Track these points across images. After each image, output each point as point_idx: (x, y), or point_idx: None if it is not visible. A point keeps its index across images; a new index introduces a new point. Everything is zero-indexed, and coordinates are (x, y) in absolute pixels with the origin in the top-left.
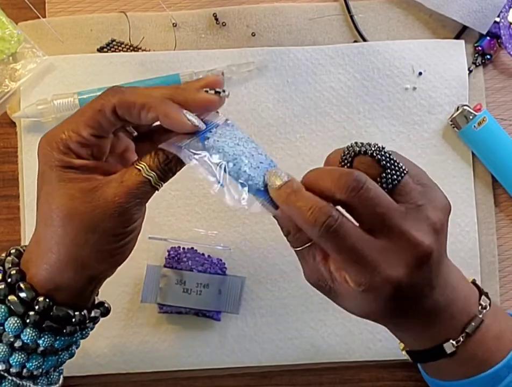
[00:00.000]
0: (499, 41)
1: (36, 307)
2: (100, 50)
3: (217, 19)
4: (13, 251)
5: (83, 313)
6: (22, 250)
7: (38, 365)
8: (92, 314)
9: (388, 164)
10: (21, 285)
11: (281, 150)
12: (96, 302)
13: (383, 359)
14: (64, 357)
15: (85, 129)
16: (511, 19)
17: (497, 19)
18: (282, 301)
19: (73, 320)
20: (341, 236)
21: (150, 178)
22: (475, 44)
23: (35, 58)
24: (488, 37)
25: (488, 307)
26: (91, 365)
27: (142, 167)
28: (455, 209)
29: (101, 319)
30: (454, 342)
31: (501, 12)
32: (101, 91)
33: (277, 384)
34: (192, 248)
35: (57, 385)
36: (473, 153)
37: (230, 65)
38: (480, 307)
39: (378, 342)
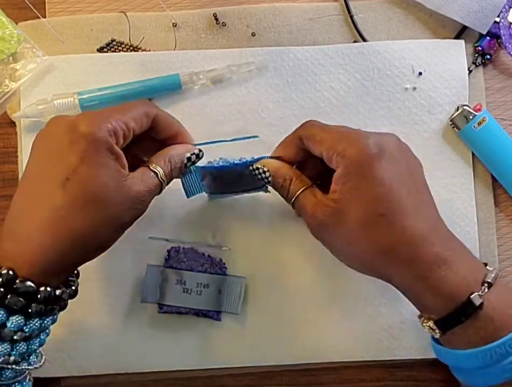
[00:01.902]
0: (499, 41)
1: (38, 296)
2: (100, 50)
3: (217, 19)
4: None
5: (73, 288)
6: None
7: (36, 347)
8: (58, 293)
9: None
10: (18, 282)
11: None
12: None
13: (382, 359)
14: (49, 330)
15: (132, 123)
16: (511, 19)
17: (497, 19)
18: (282, 301)
19: (39, 296)
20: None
21: (163, 182)
22: (475, 44)
23: (35, 58)
24: (488, 37)
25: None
26: (91, 365)
27: (158, 172)
28: (455, 209)
29: (102, 319)
30: (479, 292)
31: (501, 12)
32: (102, 91)
33: (277, 384)
34: (192, 248)
35: (44, 357)
36: (472, 154)
37: (230, 65)
38: (488, 267)
39: (378, 342)
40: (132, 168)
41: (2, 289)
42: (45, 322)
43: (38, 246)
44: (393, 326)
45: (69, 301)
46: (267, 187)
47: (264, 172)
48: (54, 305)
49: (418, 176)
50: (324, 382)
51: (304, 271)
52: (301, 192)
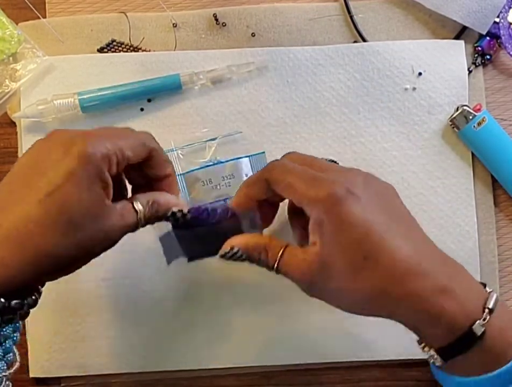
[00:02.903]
0: (499, 41)
1: None
2: (100, 50)
3: (217, 19)
4: None
5: (33, 297)
6: None
7: None
8: (13, 304)
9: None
10: None
11: (280, 150)
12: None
13: (383, 359)
14: (17, 337)
15: (127, 152)
16: (510, 19)
17: (497, 19)
18: (282, 301)
19: (27, 306)
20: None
21: (140, 221)
22: (475, 45)
23: (35, 59)
24: (488, 38)
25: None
26: (91, 365)
27: (140, 211)
28: (455, 209)
29: (102, 319)
30: (481, 321)
31: (501, 12)
32: (102, 91)
33: (277, 384)
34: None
35: (17, 363)
36: (472, 154)
37: (230, 65)
38: (486, 288)
39: (378, 342)
40: (114, 194)
41: None
42: (5, 331)
43: (3, 256)
44: (393, 326)
45: (68, 302)
46: None
47: (236, 253)
48: (11, 315)
49: (393, 202)
50: (324, 382)
51: None
52: (280, 257)
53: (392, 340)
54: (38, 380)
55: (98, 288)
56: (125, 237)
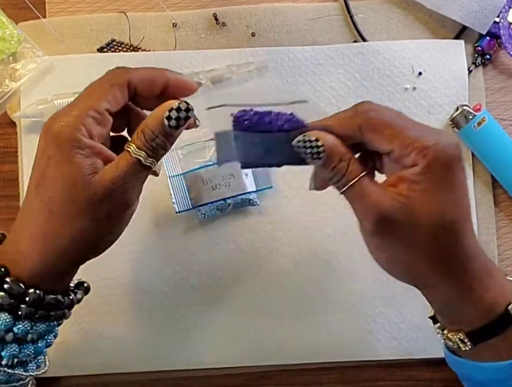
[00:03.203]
0: (499, 41)
1: (27, 299)
2: (100, 50)
3: (217, 19)
4: None
5: (71, 297)
6: None
7: (30, 353)
8: (78, 296)
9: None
10: (8, 281)
11: None
12: (75, 281)
13: (383, 359)
14: (51, 340)
15: (101, 104)
16: (510, 19)
17: (497, 19)
18: (282, 301)
19: (63, 304)
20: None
21: (140, 157)
22: (475, 44)
23: (35, 58)
24: (488, 37)
25: None
26: (91, 365)
27: (130, 148)
28: None
29: (102, 319)
30: None
31: (501, 12)
32: None
33: (276, 383)
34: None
35: (46, 367)
36: (472, 154)
37: (230, 65)
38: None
39: (378, 342)
40: None
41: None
42: (39, 327)
43: (25, 247)
44: (393, 326)
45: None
46: (258, 203)
47: (317, 146)
48: (46, 311)
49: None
50: (324, 382)
51: (304, 271)
52: (360, 177)
53: (392, 340)
54: (38, 380)
55: (98, 288)
56: (125, 237)
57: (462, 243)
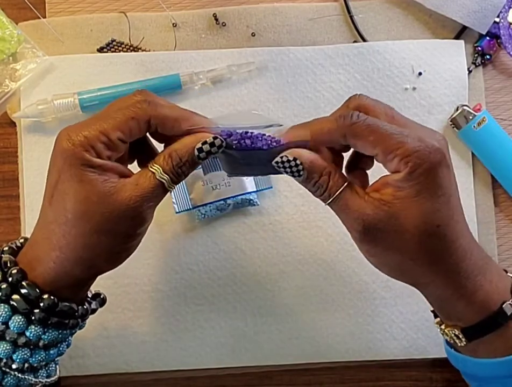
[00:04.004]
0: (498, 41)
1: (41, 304)
2: (100, 50)
3: (216, 19)
4: (6, 248)
5: (85, 307)
6: (15, 247)
7: (41, 359)
8: (93, 306)
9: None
10: (24, 284)
11: None
12: (93, 292)
13: (383, 359)
14: (63, 349)
15: (114, 133)
16: (510, 19)
17: (497, 19)
18: (282, 301)
19: (77, 313)
20: (370, 120)
21: (163, 181)
22: (475, 45)
23: (35, 58)
24: (488, 38)
25: None
26: (91, 365)
27: (156, 170)
28: None
29: (101, 319)
30: (510, 301)
31: (501, 12)
32: (101, 91)
33: (277, 384)
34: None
35: (56, 376)
36: (472, 154)
37: (230, 65)
38: (509, 274)
39: (378, 342)
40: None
41: (9, 288)
42: (51, 334)
43: (42, 254)
44: (393, 326)
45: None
46: (258, 203)
47: (296, 165)
48: (60, 318)
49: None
50: (324, 382)
51: (304, 271)
52: (342, 189)
53: (392, 340)
54: None
55: (97, 288)
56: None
57: (450, 246)
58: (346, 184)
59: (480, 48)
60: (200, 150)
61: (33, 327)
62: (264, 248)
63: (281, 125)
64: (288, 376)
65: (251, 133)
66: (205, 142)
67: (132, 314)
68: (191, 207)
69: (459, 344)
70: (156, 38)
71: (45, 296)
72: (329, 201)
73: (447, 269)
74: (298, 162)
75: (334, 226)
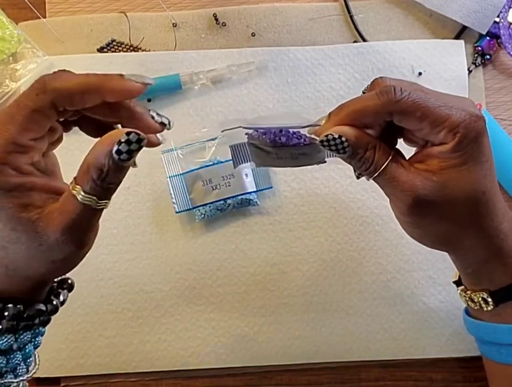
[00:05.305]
0: (498, 41)
1: (6, 313)
2: (100, 50)
3: (216, 19)
4: None
5: (54, 302)
6: None
7: (18, 361)
8: (61, 298)
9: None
10: None
11: None
12: (58, 279)
13: (383, 359)
14: (38, 341)
15: (21, 136)
16: (510, 19)
17: (497, 19)
18: (282, 301)
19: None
20: (412, 92)
21: (88, 203)
22: (475, 45)
23: (35, 59)
24: (488, 37)
25: None
26: (91, 365)
27: (77, 193)
28: None
29: (102, 319)
30: None
31: (501, 12)
32: None
33: (277, 383)
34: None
35: (36, 366)
36: None
37: (230, 65)
38: None
39: (378, 342)
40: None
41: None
42: (24, 336)
43: None
44: (393, 326)
45: (68, 302)
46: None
47: (342, 142)
48: (30, 322)
49: None
50: (324, 382)
51: (304, 271)
52: (388, 162)
53: (392, 340)
54: (38, 380)
55: (97, 288)
56: (125, 237)
57: (492, 210)
58: (391, 157)
59: (480, 48)
60: (119, 152)
61: (2, 337)
62: (264, 248)
63: (319, 125)
64: (287, 376)
65: (287, 130)
66: (120, 142)
67: (132, 314)
68: (191, 207)
69: (485, 309)
70: (156, 38)
71: (10, 305)
72: (375, 174)
73: (489, 232)
74: (343, 139)
75: (334, 226)
